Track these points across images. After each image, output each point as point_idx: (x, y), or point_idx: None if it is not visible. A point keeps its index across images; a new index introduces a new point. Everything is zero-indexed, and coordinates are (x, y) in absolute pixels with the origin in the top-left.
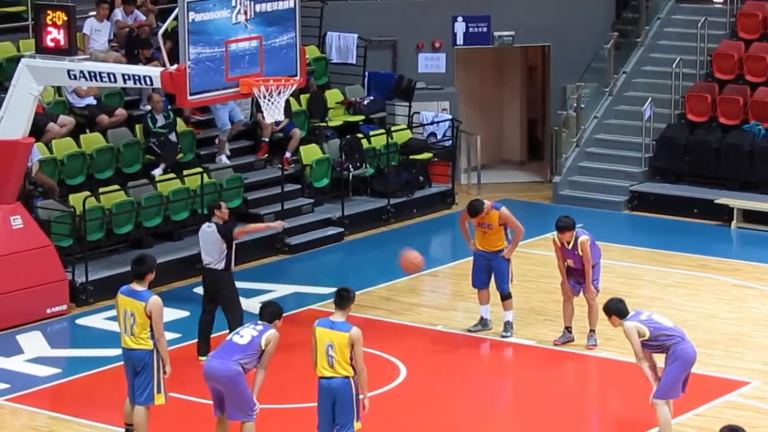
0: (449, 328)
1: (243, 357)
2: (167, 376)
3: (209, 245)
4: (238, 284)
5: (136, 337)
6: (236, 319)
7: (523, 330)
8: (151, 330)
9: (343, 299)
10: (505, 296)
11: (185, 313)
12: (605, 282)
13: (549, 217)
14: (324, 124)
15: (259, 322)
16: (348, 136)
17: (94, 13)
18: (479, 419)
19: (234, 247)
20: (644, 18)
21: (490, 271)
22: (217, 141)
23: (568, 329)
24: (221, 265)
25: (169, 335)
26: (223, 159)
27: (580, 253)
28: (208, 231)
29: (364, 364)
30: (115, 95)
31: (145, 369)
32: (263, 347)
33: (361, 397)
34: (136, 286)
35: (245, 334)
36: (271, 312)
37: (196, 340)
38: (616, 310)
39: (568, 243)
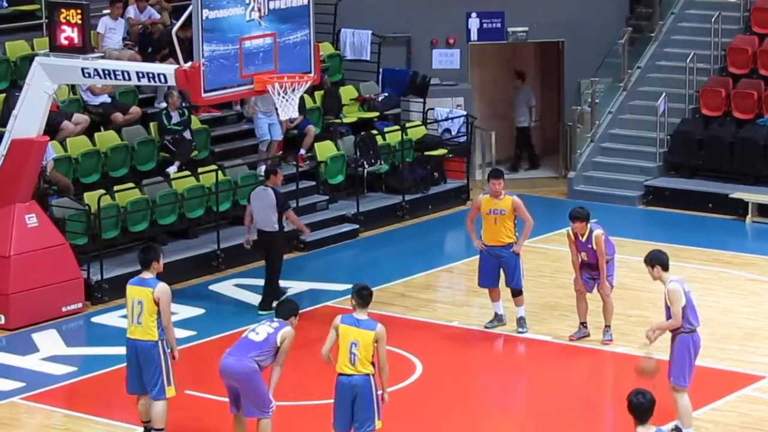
0: (465, 324)
1: (259, 354)
2: (176, 360)
3: (265, 208)
4: (253, 282)
5: (144, 325)
6: (272, 289)
7: (538, 325)
8: (159, 319)
9: (364, 297)
10: (517, 292)
11: (200, 311)
12: (620, 277)
13: (563, 212)
14: (338, 120)
15: (275, 319)
16: (362, 133)
17: (108, 11)
18: (495, 415)
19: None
20: (658, 13)
21: (499, 270)
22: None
23: (583, 324)
24: (275, 227)
25: (185, 333)
26: (261, 170)
27: (594, 247)
28: (264, 194)
29: (387, 361)
30: (129, 93)
31: (151, 362)
32: (279, 344)
33: (380, 392)
34: (144, 275)
35: (261, 332)
36: (287, 309)
37: (214, 336)
38: (660, 260)
39: (582, 235)
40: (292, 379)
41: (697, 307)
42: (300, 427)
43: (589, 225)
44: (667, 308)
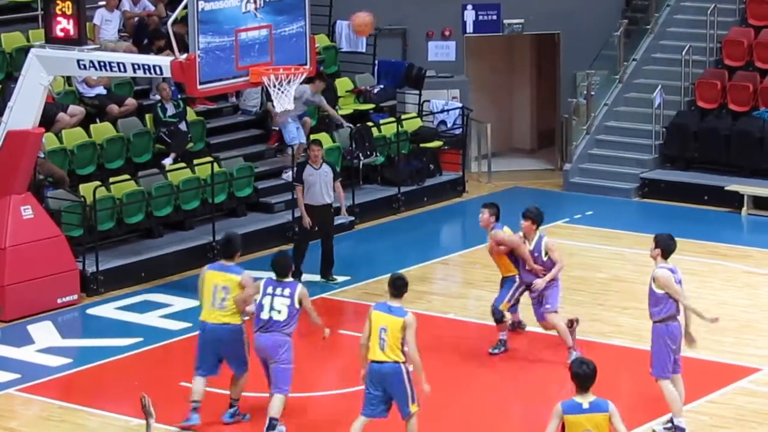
0: (460, 316)
1: (287, 326)
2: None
3: (326, 184)
4: (251, 273)
5: (228, 309)
6: (327, 251)
7: (534, 317)
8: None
9: (397, 287)
10: (498, 319)
11: (196, 303)
12: (616, 269)
13: (559, 204)
14: (324, 112)
15: (278, 281)
16: (358, 125)
17: (103, 2)
18: (491, 407)
19: None
20: (654, 5)
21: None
22: (283, 155)
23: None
24: (331, 200)
25: (181, 324)
26: (289, 175)
27: (544, 257)
28: (325, 172)
29: (418, 351)
30: (125, 85)
31: (238, 343)
32: (298, 307)
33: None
34: (225, 263)
35: (281, 308)
36: (284, 266)
37: None
38: (665, 245)
39: (530, 240)
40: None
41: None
42: (308, 419)
43: (538, 230)
44: (650, 292)
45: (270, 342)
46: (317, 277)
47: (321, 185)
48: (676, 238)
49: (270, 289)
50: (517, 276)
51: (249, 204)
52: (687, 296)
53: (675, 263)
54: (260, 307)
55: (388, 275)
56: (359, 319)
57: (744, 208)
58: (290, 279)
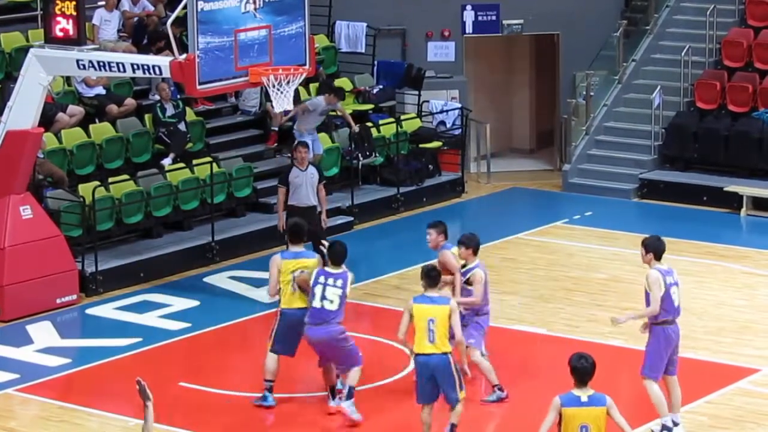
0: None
1: (339, 316)
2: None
3: (312, 186)
4: (248, 274)
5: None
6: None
7: (532, 318)
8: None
9: (432, 277)
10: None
11: (195, 303)
12: (614, 270)
13: (558, 205)
14: (333, 113)
15: (331, 271)
16: (358, 125)
17: (102, 3)
18: (488, 406)
19: None
20: (653, 6)
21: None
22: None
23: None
24: (317, 202)
25: (179, 325)
26: None
27: (469, 286)
28: (311, 173)
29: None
30: (124, 85)
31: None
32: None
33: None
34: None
35: (332, 298)
36: (340, 254)
37: (209, 328)
38: (656, 248)
39: (462, 265)
40: (302, 368)
41: (678, 300)
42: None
43: (476, 258)
44: (646, 294)
45: (326, 336)
46: None
47: (307, 187)
48: (676, 239)
49: (322, 279)
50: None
51: (248, 204)
52: (656, 303)
53: (674, 264)
54: (312, 295)
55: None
56: (359, 319)
57: (743, 209)
58: (342, 269)
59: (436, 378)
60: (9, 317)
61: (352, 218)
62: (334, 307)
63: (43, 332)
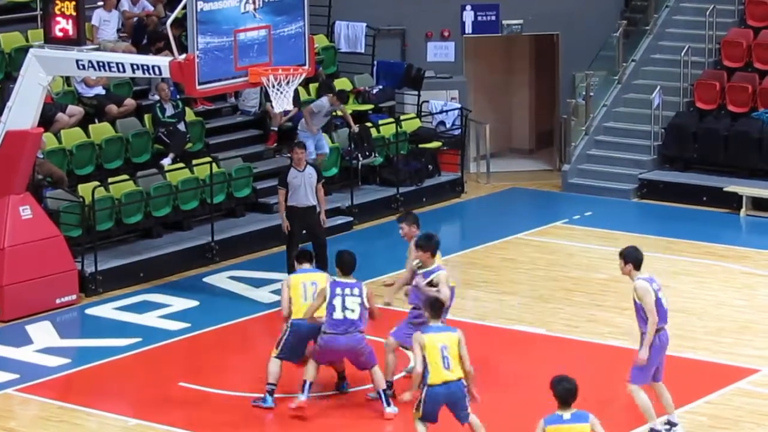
0: (457, 316)
1: (361, 323)
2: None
3: (310, 187)
4: (248, 274)
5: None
6: (319, 252)
7: (532, 318)
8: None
9: (438, 309)
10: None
11: (194, 303)
12: (614, 269)
13: (558, 205)
14: (336, 113)
15: (345, 281)
16: (357, 125)
17: (101, 3)
18: (487, 407)
19: None
20: (653, 6)
21: None
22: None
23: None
24: (316, 202)
25: (179, 325)
26: None
27: (433, 287)
28: (309, 174)
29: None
30: (123, 85)
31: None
32: (368, 303)
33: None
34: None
35: (354, 307)
36: (351, 264)
37: (209, 328)
38: (634, 259)
39: (427, 266)
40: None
41: (667, 306)
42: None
43: (437, 261)
44: (637, 306)
45: (352, 344)
46: None
47: (305, 187)
48: (675, 239)
49: (339, 290)
50: None
51: (248, 204)
52: (653, 312)
53: (673, 264)
54: (332, 308)
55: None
56: None
57: (743, 209)
58: (354, 279)
59: (451, 403)
60: (9, 317)
61: (351, 218)
62: (355, 316)
63: (42, 332)
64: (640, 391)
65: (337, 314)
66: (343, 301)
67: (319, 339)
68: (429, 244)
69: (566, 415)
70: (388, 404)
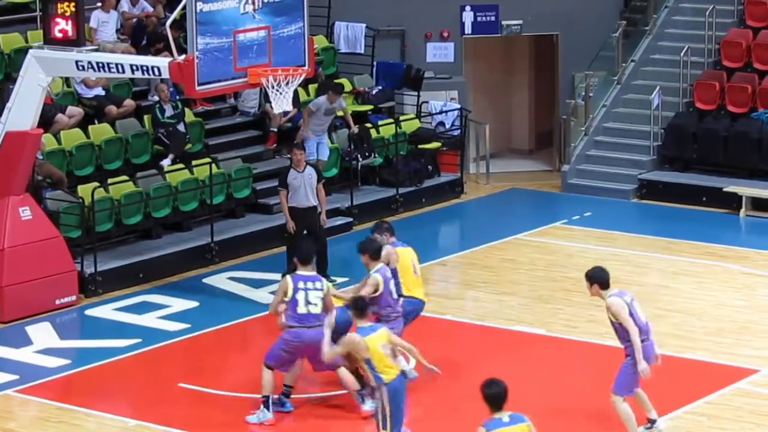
0: (458, 317)
1: (325, 318)
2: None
3: (310, 188)
4: (248, 275)
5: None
6: (320, 252)
7: (531, 318)
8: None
9: (361, 309)
10: None
11: (194, 304)
12: (613, 270)
13: (557, 205)
14: (335, 112)
15: (308, 275)
16: (357, 126)
17: (99, 4)
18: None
19: None
20: (652, 6)
21: None
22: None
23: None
24: (317, 202)
25: (179, 325)
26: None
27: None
28: (309, 174)
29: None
30: (123, 86)
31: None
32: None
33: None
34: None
35: (316, 302)
36: (312, 253)
37: (208, 329)
38: (600, 278)
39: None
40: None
41: (644, 317)
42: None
43: (378, 263)
44: (614, 325)
45: (319, 338)
46: None
47: (305, 188)
48: (675, 240)
49: (301, 284)
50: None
51: (247, 205)
52: (630, 325)
53: (673, 264)
54: (295, 302)
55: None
56: None
57: (742, 210)
58: (314, 271)
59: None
60: (8, 318)
61: (351, 219)
62: (318, 310)
63: (42, 333)
64: (624, 402)
65: (301, 308)
66: (306, 296)
67: (285, 334)
68: (367, 248)
69: (505, 417)
70: (364, 402)
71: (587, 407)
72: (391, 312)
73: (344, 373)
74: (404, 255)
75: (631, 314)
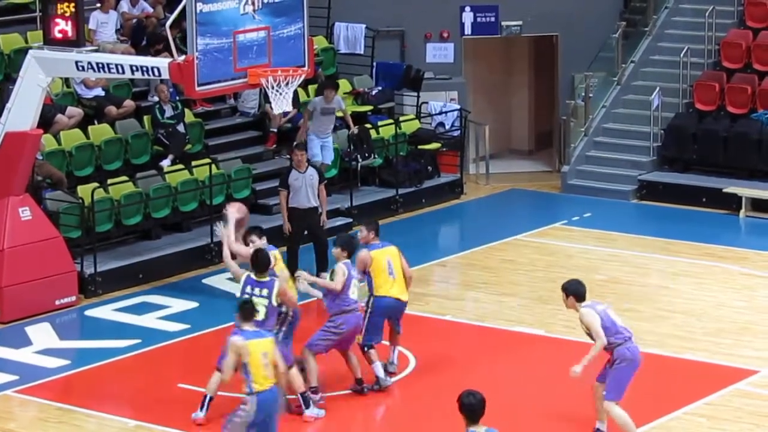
0: (458, 318)
1: (268, 324)
2: None
3: (311, 188)
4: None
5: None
6: (320, 252)
7: (531, 319)
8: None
9: (247, 311)
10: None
11: (194, 304)
12: (613, 271)
13: (557, 206)
14: (336, 111)
15: (258, 280)
16: (356, 126)
17: (98, 4)
18: (488, 408)
19: None
20: (652, 7)
21: None
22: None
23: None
24: (318, 203)
25: (179, 326)
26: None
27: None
28: (310, 175)
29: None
30: (123, 86)
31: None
32: (277, 305)
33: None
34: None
35: (259, 308)
36: (263, 263)
37: (208, 330)
38: (575, 291)
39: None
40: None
41: (621, 323)
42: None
43: (347, 259)
44: (590, 336)
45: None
46: None
47: (306, 189)
48: (675, 241)
49: (249, 289)
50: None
51: (247, 205)
52: (600, 336)
53: (672, 265)
54: None
55: None
56: None
57: (742, 210)
58: (268, 277)
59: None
60: (8, 318)
61: (351, 219)
62: (260, 317)
63: (42, 334)
64: (617, 407)
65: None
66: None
67: (232, 335)
68: (346, 244)
69: (481, 430)
70: (307, 407)
71: (587, 408)
72: (342, 305)
73: (294, 373)
74: (379, 256)
75: (605, 326)
